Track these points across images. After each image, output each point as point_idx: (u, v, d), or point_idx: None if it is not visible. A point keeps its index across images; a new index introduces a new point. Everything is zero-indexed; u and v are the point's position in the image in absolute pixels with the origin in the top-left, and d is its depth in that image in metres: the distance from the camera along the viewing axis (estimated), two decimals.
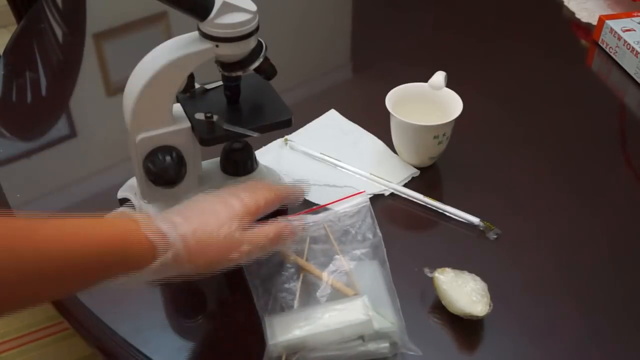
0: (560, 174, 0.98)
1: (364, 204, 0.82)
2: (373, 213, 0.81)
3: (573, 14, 1.34)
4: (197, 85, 0.82)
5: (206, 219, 0.65)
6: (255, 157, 0.87)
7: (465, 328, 0.75)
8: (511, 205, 0.92)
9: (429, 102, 0.96)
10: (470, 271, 0.77)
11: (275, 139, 1.00)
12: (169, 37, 0.76)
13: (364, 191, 0.87)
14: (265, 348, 0.69)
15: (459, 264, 0.78)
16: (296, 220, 0.75)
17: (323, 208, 0.85)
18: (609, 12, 1.30)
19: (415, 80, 0.97)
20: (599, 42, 1.24)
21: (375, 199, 0.90)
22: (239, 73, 0.77)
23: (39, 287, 0.56)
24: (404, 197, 0.92)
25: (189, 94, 0.81)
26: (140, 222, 0.62)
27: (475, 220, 0.87)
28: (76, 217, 0.59)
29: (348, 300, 0.73)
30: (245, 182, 0.73)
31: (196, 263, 0.64)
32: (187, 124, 0.78)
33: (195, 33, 0.74)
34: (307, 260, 0.77)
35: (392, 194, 0.92)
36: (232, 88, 0.81)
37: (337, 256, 0.77)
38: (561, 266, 0.84)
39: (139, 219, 0.62)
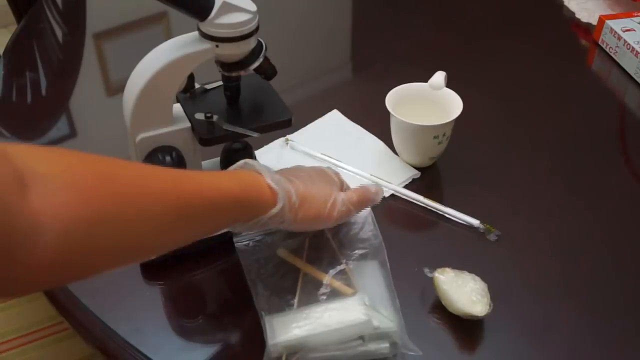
0: (560, 174, 0.98)
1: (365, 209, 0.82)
2: (373, 215, 0.81)
3: (573, 14, 1.34)
4: (197, 85, 0.82)
5: (309, 181, 0.73)
6: (255, 157, 0.87)
7: (465, 328, 0.75)
8: (511, 205, 0.92)
9: (429, 102, 0.96)
10: (470, 271, 0.77)
11: (275, 139, 1.00)
12: (169, 37, 0.76)
13: None
14: (265, 348, 0.69)
15: (459, 264, 0.78)
16: (374, 187, 0.79)
17: None
18: (609, 12, 1.30)
19: (415, 80, 0.97)
20: (599, 42, 1.24)
21: None
22: (239, 73, 0.77)
23: (181, 231, 0.62)
24: (405, 198, 0.92)
25: (189, 94, 0.81)
26: (264, 175, 0.69)
27: (475, 222, 0.87)
28: (206, 172, 0.67)
29: (348, 300, 0.72)
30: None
31: (296, 216, 0.70)
32: (187, 124, 0.78)
33: (195, 33, 0.74)
34: (306, 260, 0.77)
35: (392, 195, 0.92)
36: (232, 88, 0.80)
37: (336, 256, 0.77)
38: (561, 266, 0.84)
39: (260, 171, 0.69)
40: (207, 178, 0.66)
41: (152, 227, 0.58)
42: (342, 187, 0.77)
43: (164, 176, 0.61)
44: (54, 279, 0.54)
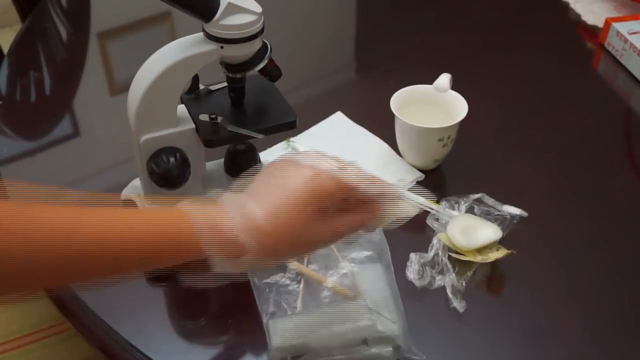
0: (566, 177, 0.98)
1: None
2: None
3: (579, 16, 1.34)
4: (201, 86, 0.82)
5: (282, 205, 0.59)
6: (260, 159, 0.87)
7: (468, 331, 0.75)
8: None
9: (434, 105, 0.96)
10: None
11: (280, 140, 0.99)
12: (174, 37, 0.75)
13: None
14: (268, 352, 0.69)
15: None
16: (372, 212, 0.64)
17: None
18: (615, 14, 1.30)
19: (420, 83, 0.97)
20: (605, 45, 1.24)
21: None
22: (244, 74, 0.77)
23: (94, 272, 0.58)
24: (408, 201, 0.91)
25: (194, 95, 0.81)
26: (197, 227, 0.58)
27: None
28: (131, 210, 0.60)
29: (351, 303, 0.72)
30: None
31: (273, 256, 0.60)
32: (192, 125, 0.78)
33: (200, 34, 0.74)
34: (308, 263, 0.77)
35: None
36: (236, 89, 0.80)
37: (340, 259, 0.77)
38: (564, 269, 0.84)
39: (199, 220, 0.58)
40: (124, 219, 0.58)
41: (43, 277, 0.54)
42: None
43: (62, 221, 0.55)
44: None
